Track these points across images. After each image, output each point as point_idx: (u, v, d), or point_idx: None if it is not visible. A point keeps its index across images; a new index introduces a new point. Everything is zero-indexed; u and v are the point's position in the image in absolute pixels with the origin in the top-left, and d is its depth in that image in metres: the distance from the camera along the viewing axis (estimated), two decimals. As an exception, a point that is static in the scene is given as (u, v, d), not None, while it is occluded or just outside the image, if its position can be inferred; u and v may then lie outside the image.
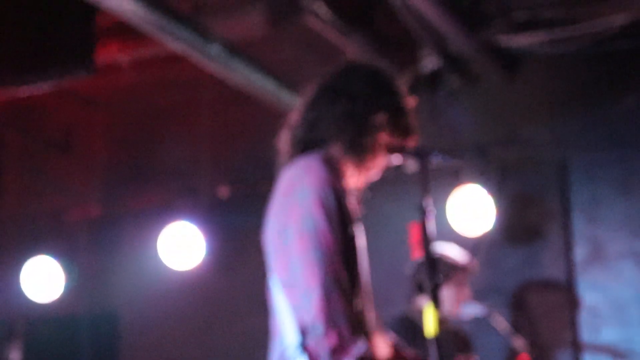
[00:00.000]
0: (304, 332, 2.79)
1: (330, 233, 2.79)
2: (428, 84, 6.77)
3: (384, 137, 3.03)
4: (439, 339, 5.42)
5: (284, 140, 3.11)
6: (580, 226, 6.46)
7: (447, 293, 5.42)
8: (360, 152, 3.00)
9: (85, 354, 7.26)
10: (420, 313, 4.94)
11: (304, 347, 2.78)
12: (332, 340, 2.71)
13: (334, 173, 2.90)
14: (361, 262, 2.94)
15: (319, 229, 2.77)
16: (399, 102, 3.08)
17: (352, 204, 2.98)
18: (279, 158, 3.11)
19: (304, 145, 3.03)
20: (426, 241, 2.88)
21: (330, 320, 2.72)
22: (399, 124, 3.06)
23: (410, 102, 3.14)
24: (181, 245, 6.86)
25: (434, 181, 6.03)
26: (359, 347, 2.74)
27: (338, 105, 3.02)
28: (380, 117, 3.02)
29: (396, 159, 3.10)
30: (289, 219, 2.83)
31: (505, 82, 6.67)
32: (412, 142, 3.10)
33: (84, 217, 7.61)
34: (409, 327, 5.52)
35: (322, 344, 2.72)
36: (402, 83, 3.16)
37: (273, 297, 2.94)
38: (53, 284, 7.26)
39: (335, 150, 2.99)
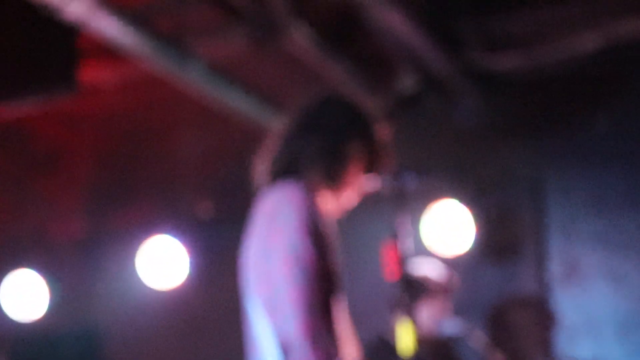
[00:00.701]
0: (286, 353, 2.84)
1: (314, 256, 2.86)
2: (407, 103, 6.83)
3: (357, 165, 3.11)
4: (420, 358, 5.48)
5: (260, 170, 3.20)
6: (555, 243, 6.51)
7: (426, 311, 5.44)
8: (334, 181, 3.12)
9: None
10: (396, 333, 4.97)
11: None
12: (319, 355, 2.77)
13: (314, 200, 3.00)
14: (339, 287, 2.99)
15: (303, 252, 2.85)
16: (370, 131, 3.19)
17: (330, 229, 3.06)
18: (255, 185, 3.17)
19: (280, 175, 3.12)
20: (400, 261, 2.90)
21: (316, 339, 2.78)
22: (372, 153, 3.14)
23: (383, 130, 3.21)
24: (163, 264, 6.88)
25: (412, 200, 6.08)
26: None
27: (311, 136, 3.12)
28: (353, 147, 3.11)
29: (372, 186, 3.18)
30: (272, 242, 2.90)
31: (482, 101, 6.73)
32: (386, 169, 3.18)
33: (68, 235, 7.61)
34: (386, 348, 5.54)
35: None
36: (374, 114, 3.24)
37: (251, 319, 3.00)
38: (36, 302, 7.24)
39: (312, 179, 3.08)
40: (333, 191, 3.11)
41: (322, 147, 3.09)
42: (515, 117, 6.76)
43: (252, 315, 2.97)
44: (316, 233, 2.89)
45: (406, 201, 3.09)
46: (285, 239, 2.86)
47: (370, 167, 3.14)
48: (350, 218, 3.29)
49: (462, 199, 6.32)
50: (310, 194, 2.98)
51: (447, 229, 6.13)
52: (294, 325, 2.78)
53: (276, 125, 3.22)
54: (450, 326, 5.42)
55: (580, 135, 6.43)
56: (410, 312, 2.85)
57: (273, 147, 3.18)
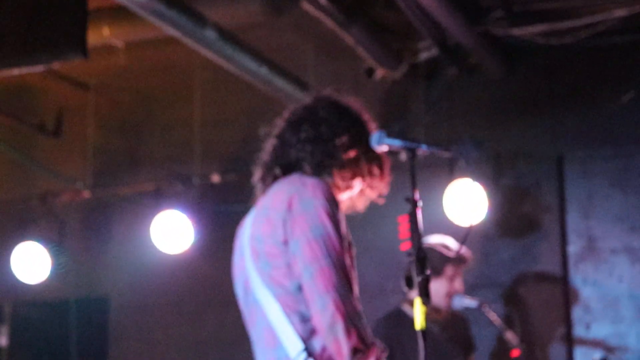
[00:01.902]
0: (312, 336, 2.90)
1: (338, 238, 2.91)
2: (425, 74, 6.82)
3: (353, 160, 3.17)
4: (431, 332, 5.52)
5: (257, 171, 3.26)
6: (574, 221, 6.51)
7: (438, 285, 5.48)
8: (330, 172, 3.15)
9: (75, 337, 7.32)
10: (412, 307, 5.02)
11: (310, 352, 2.88)
12: (353, 340, 2.80)
13: (326, 184, 3.06)
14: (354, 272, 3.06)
15: (328, 236, 2.89)
16: (364, 130, 3.23)
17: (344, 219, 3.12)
18: (254, 183, 3.26)
19: (278, 170, 3.18)
20: (415, 234, 2.93)
21: (349, 320, 2.81)
22: (367, 152, 3.19)
23: (373, 126, 3.27)
24: (171, 231, 6.92)
25: (429, 174, 6.12)
26: (377, 349, 2.86)
27: (304, 131, 3.18)
28: (345, 139, 3.17)
29: (371, 193, 3.24)
30: (294, 229, 2.93)
31: (502, 74, 6.71)
32: (382, 169, 3.23)
33: (74, 201, 7.64)
34: (402, 321, 5.59)
35: (344, 343, 2.80)
36: (364, 109, 3.31)
37: (259, 309, 3.03)
38: (41, 268, 7.30)
39: (310, 169, 3.14)
40: (333, 183, 3.14)
41: (313, 141, 3.15)
42: (535, 90, 6.73)
43: (262, 306, 3.01)
44: (337, 217, 2.94)
45: (425, 175, 3.10)
46: (308, 225, 2.90)
47: (366, 166, 3.19)
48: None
49: (481, 175, 6.33)
50: (321, 181, 3.05)
51: (466, 205, 6.12)
52: (325, 308, 2.82)
53: (273, 125, 3.31)
54: (464, 301, 5.46)
55: (603, 110, 6.39)
56: (424, 285, 2.86)
57: (267, 149, 3.25)
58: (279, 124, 3.28)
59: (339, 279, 2.85)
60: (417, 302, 2.82)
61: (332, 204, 2.96)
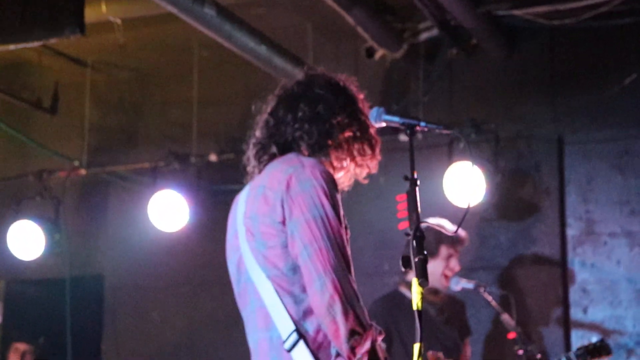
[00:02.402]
0: (301, 319, 2.90)
1: (336, 219, 2.91)
2: (425, 55, 6.81)
3: (349, 139, 3.17)
4: (428, 314, 5.55)
5: (250, 148, 3.25)
6: (573, 204, 6.50)
7: (433, 266, 5.50)
8: (326, 152, 3.15)
9: (69, 315, 7.33)
10: (409, 289, 5.05)
11: (302, 334, 2.89)
12: (351, 321, 2.80)
13: (324, 165, 3.06)
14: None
15: (327, 217, 2.89)
16: (357, 106, 3.23)
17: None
18: (246, 161, 3.26)
19: (274, 148, 3.17)
20: (414, 213, 2.93)
21: (346, 302, 2.81)
22: (360, 129, 3.20)
23: (367, 104, 3.28)
24: (168, 210, 6.93)
25: (428, 156, 6.13)
26: (374, 332, 2.87)
27: (300, 110, 3.17)
28: (342, 118, 3.17)
29: (368, 169, 3.25)
30: (292, 209, 2.92)
31: (503, 55, 6.70)
32: (374, 146, 3.24)
33: (70, 178, 7.63)
34: (399, 303, 5.61)
35: (341, 324, 2.80)
36: (358, 87, 3.30)
37: (252, 289, 3.04)
38: (37, 246, 7.31)
39: (307, 148, 3.14)
40: (329, 162, 3.15)
41: (310, 120, 3.14)
42: (536, 72, 6.71)
43: (255, 287, 3.01)
44: (335, 197, 2.94)
45: (424, 156, 3.10)
46: (306, 204, 2.90)
47: (360, 145, 3.19)
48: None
49: (480, 157, 6.33)
50: (319, 161, 3.05)
51: (465, 186, 6.11)
52: (323, 289, 2.81)
53: (265, 103, 3.29)
54: (461, 282, 5.48)
55: (604, 93, 6.35)
56: (422, 266, 2.86)
57: (260, 127, 3.24)
58: (272, 100, 3.27)
59: (338, 259, 2.85)
60: (415, 282, 2.82)
61: (331, 185, 2.95)
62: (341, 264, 2.85)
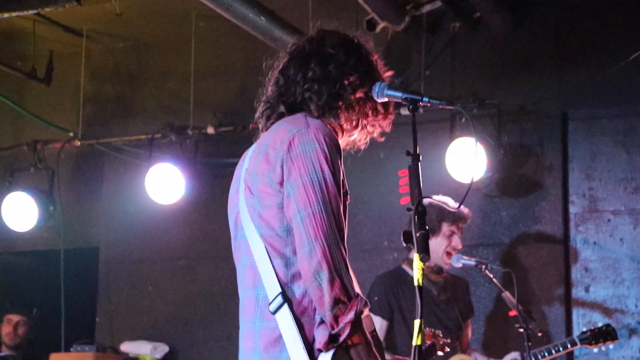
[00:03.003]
0: (289, 282, 2.89)
1: (334, 185, 2.88)
2: (428, 28, 6.75)
3: (360, 100, 3.13)
4: (430, 293, 5.54)
5: (261, 106, 3.21)
6: (576, 181, 6.48)
7: (436, 243, 5.50)
8: (336, 114, 3.11)
9: (64, 287, 7.34)
10: (411, 266, 5.02)
11: (287, 298, 2.87)
12: (336, 290, 2.79)
13: (329, 129, 3.02)
14: (346, 220, 3.02)
15: (325, 182, 2.87)
16: (369, 62, 3.19)
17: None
18: (257, 119, 3.21)
19: (282, 108, 3.13)
20: (415, 188, 2.91)
21: (334, 270, 2.79)
22: (372, 86, 3.15)
23: (381, 64, 3.23)
24: (164, 183, 6.92)
25: (430, 132, 6.10)
26: (360, 302, 2.83)
27: (311, 69, 3.12)
28: (352, 79, 3.12)
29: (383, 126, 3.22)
30: (291, 171, 2.90)
31: (507, 30, 6.65)
32: (388, 115, 3.21)
33: (65, 150, 7.61)
34: (401, 280, 5.61)
35: (326, 292, 2.78)
36: (372, 47, 3.26)
37: (246, 245, 3.02)
38: (31, 217, 7.31)
39: (316, 112, 3.09)
40: (338, 124, 3.12)
41: (319, 76, 3.10)
42: (541, 47, 6.66)
43: (249, 244, 3.00)
44: (336, 161, 2.91)
45: (426, 131, 3.08)
46: (305, 167, 2.88)
47: (372, 103, 3.14)
48: (368, 147, 3.31)
49: (482, 132, 6.31)
50: (325, 124, 3.02)
51: (467, 162, 6.10)
52: (311, 255, 2.81)
53: (274, 60, 3.25)
54: (462, 259, 5.47)
55: (609, 69, 6.28)
56: (424, 241, 2.84)
57: (270, 86, 3.20)
58: (283, 57, 3.21)
59: (330, 226, 2.83)
60: (416, 258, 2.80)
61: (333, 150, 2.92)
62: (333, 231, 2.83)
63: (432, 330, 4.07)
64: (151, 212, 7.22)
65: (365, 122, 3.18)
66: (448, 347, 4.07)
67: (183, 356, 7.31)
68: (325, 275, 2.79)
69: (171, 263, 7.49)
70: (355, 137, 3.21)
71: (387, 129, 3.25)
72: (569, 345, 5.36)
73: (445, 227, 5.54)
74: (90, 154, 7.74)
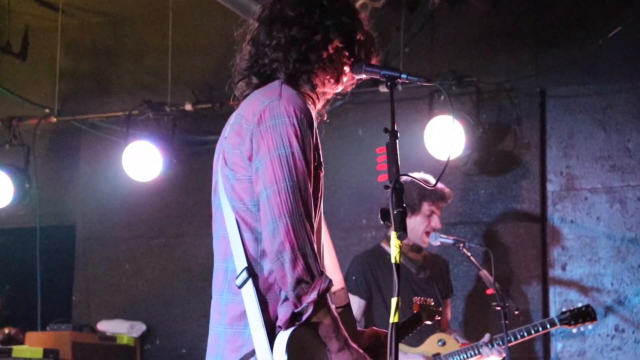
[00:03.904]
0: (258, 258, 2.89)
1: (303, 161, 2.85)
2: (407, 4, 6.74)
3: (332, 57, 3.09)
4: (409, 271, 5.56)
5: (237, 74, 3.15)
6: (554, 159, 6.49)
7: (415, 223, 5.52)
8: (308, 79, 3.07)
9: (40, 265, 7.31)
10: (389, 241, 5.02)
11: (254, 273, 2.88)
12: (299, 270, 2.78)
13: (304, 100, 2.98)
14: (320, 194, 3.01)
15: (292, 158, 2.84)
16: (336, 12, 3.10)
17: (316, 132, 3.03)
18: (234, 88, 3.16)
19: (254, 79, 3.09)
20: (393, 165, 2.90)
21: (297, 249, 2.78)
22: (352, 42, 3.11)
23: (364, 18, 3.17)
24: (141, 160, 6.90)
25: (409, 110, 6.13)
26: (324, 281, 2.82)
27: (274, 37, 3.06)
28: (321, 37, 3.06)
29: (356, 76, 3.18)
30: (260, 145, 2.87)
31: (487, 7, 6.64)
32: (370, 58, 3.18)
33: (40, 126, 7.57)
34: (380, 258, 5.63)
35: (289, 271, 2.77)
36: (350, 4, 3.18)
37: (221, 215, 3.00)
38: (5, 195, 7.26)
39: (290, 79, 3.03)
40: (309, 88, 3.07)
41: (285, 46, 3.03)
42: (520, 25, 6.67)
43: (223, 216, 2.98)
44: (306, 135, 2.87)
45: (405, 109, 3.08)
46: (273, 141, 2.84)
47: (350, 50, 3.09)
48: (346, 124, 3.31)
49: (461, 109, 6.32)
50: (299, 95, 2.96)
51: (446, 140, 6.10)
52: (275, 233, 2.78)
53: (247, 27, 3.17)
54: (440, 237, 5.49)
55: (587, 47, 6.33)
56: (401, 219, 2.84)
57: (247, 51, 3.13)
58: (253, 25, 3.15)
59: (296, 204, 2.80)
60: (393, 236, 2.81)
61: (304, 124, 2.89)
62: (299, 208, 2.80)
63: (424, 299, 4.02)
64: (128, 190, 7.20)
65: (345, 76, 3.13)
66: (438, 316, 4.03)
67: (161, 334, 7.31)
68: (287, 255, 2.77)
69: (148, 241, 7.48)
70: (339, 87, 3.16)
71: (376, 62, 3.18)
72: (548, 326, 5.41)
73: (426, 207, 5.56)
74: (67, 130, 7.70)
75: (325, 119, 3.20)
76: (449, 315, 5.90)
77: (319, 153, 2.98)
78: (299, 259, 2.78)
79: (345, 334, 2.89)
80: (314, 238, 2.85)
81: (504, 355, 5.16)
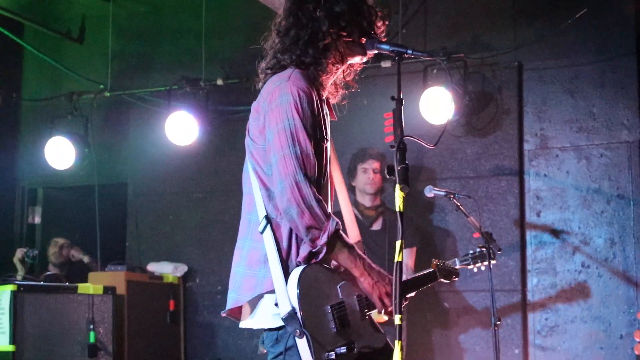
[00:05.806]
0: (274, 210, 2.94)
1: (304, 130, 2.88)
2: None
3: (335, 42, 3.05)
4: (362, 225, 5.52)
5: (262, 65, 3.14)
6: (530, 122, 6.44)
7: (357, 181, 5.70)
8: (317, 62, 3.03)
9: (98, 217, 7.31)
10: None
11: (270, 220, 2.93)
12: (306, 219, 2.81)
13: (309, 82, 2.97)
14: (327, 164, 3.02)
15: (295, 129, 2.87)
16: (343, 7, 3.06)
17: (325, 110, 3.06)
18: (259, 74, 3.16)
19: (270, 70, 3.08)
20: (398, 128, 2.86)
21: (302, 202, 2.81)
22: (352, 20, 3.06)
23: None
24: (181, 127, 6.87)
25: (405, 81, 6.04)
26: (331, 224, 2.84)
27: (291, 27, 3.05)
28: (326, 24, 3.02)
29: (363, 56, 3.14)
30: (270, 119, 2.91)
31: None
32: (380, 33, 3.12)
33: (96, 100, 7.53)
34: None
35: (299, 222, 2.81)
36: None
37: (247, 177, 3.04)
38: (69, 158, 7.29)
39: (297, 65, 3.02)
40: (320, 72, 3.04)
41: (296, 37, 3.02)
42: (501, 5, 6.53)
43: (249, 176, 3.02)
44: (307, 111, 2.89)
45: (402, 81, 2.99)
46: (280, 116, 2.87)
47: (358, 29, 3.06)
48: (353, 95, 3.25)
49: (451, 81, 6.23)
50: (305, 77, 2.96)
51: (438, 107, 6.04)
52: (282, 192, 2.83)
53: (274, 19, 3.15)
54: (434, 190, 5.42)
55: (558, 26, 6.23)
56: (404, 173, 2.79)
57: (271, 41, 3.12)
58: (279, 17, 3.15)
59: (299, 166, 2.84)
60: (397, 188, 2.76)
61: (304, 101, 2.89)
62: (302, 170, 2.84)
63: (442, 262, 3.90)
64: (170, 153, 7.18)
65: (350, 58, 3.11)
66: (456, 277, 3.91)
67: (200, 274, 7.31)
68: (294, 210, 2.82)
69: (188, 195, 7.46)
70: (355, 62, 3.15)
71: (383, 34, 3.15)
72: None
73: (360, 167, 5.86)
74: (118, 103, 7.66)
75: (355, 88, 3.22)
76: (410, 263, 5.81)
77: (321, 128, 2.98)
78: (305, 211, 2.82)
79: (365, 260, 2.93)
80: (319, 194, 2.87)
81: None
